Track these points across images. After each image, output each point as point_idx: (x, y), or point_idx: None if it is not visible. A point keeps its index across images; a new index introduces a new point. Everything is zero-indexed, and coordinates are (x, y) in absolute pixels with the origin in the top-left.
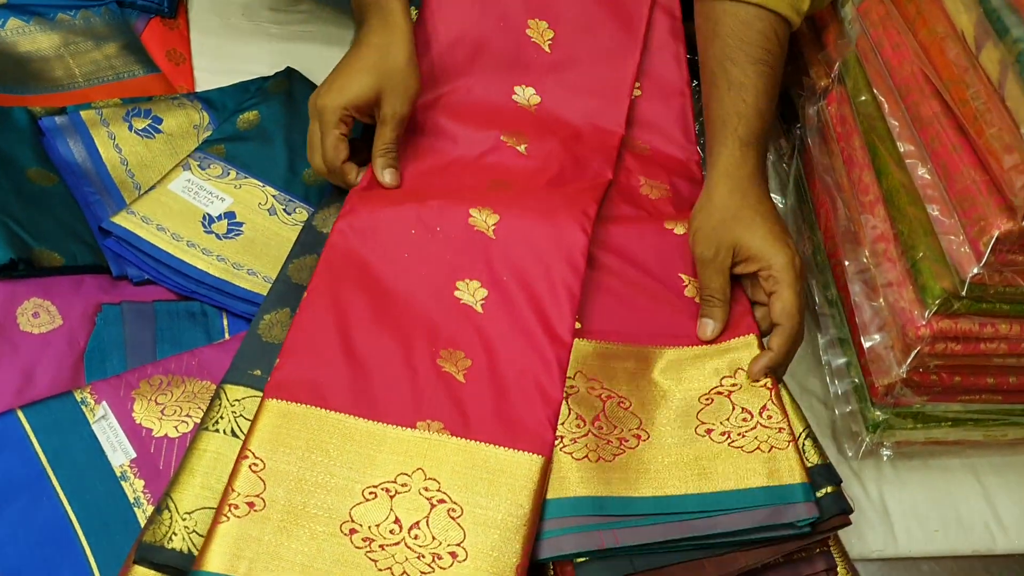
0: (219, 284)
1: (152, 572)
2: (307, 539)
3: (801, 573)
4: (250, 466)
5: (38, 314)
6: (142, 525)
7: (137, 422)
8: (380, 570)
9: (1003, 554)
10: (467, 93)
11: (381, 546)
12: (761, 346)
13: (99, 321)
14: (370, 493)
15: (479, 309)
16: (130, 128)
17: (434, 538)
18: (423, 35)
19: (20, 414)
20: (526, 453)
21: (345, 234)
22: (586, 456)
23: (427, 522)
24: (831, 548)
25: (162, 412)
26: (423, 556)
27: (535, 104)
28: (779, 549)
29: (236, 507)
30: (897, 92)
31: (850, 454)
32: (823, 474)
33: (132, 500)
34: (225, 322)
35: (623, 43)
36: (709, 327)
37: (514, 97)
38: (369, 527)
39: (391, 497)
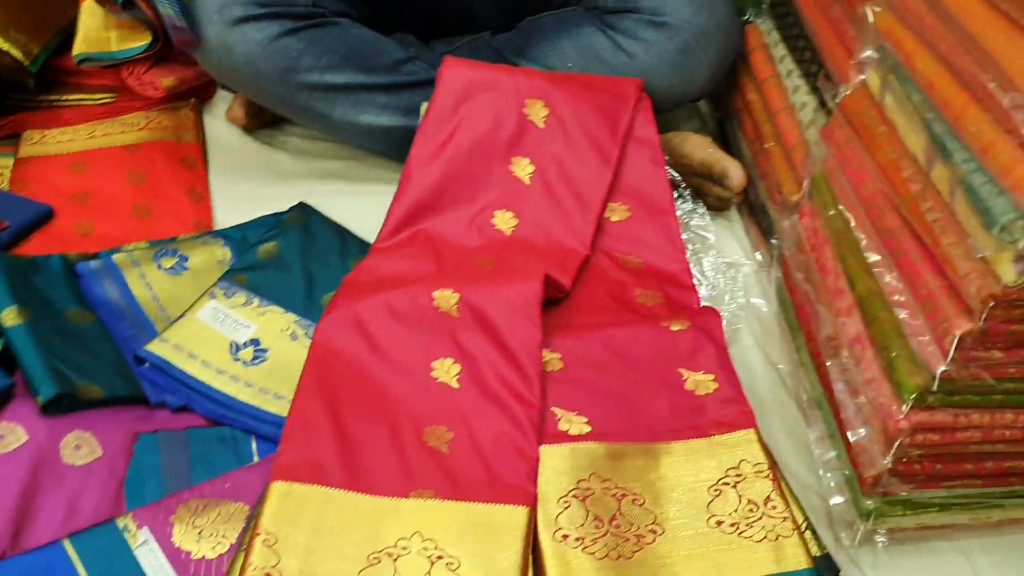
0: (248, 409)
1: None
2: None
3: None
4: (263, 541)
5: (79, 446)
6: None
7: (176, 545)
8: None
9: None
10: (453, 220)
11: None
12: (761, 440)
13: (137, 449)
14: (374, 559)
15: (455, 385)
16: (159, 267)
17: None
18: (426, 154)
19: (66, 543)
20: (511, 506)
21: (325, 332)
22: (607, 555)
23: None
24: None
25: (199, 534)
26: None
27: (512, 227)
28: None
29: None
30: (861, 207)
31: (847, 542)
32: (822, 564)
33: None
34: (254, 445)
35: (596, 174)
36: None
37: (492, 220)
38: None
39: (394, 560)
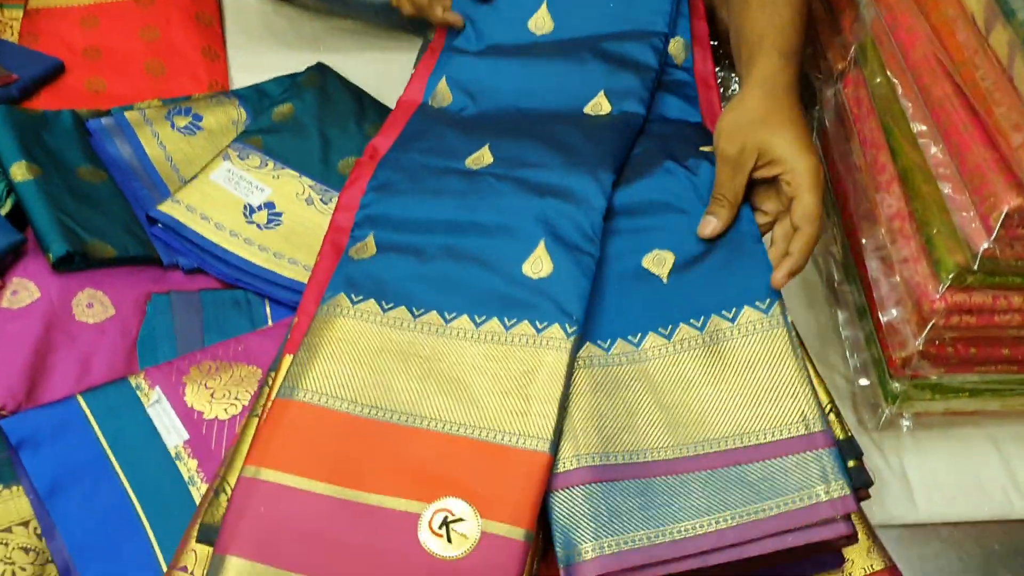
0: (262, 273)
1: (210, 548)
2: None
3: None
4: None
5: (92, 304)
6: (196, 502)
7: (189, 405)
8: None
9: (1020, 519)
10: None
11: None
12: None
13: (149, 310)
14: None
15: None
16: (172, 126)
17: None
18: None
19: (80, 399)
20: None
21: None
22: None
23: None
24: (851, 515)
25: (212, 396)
26: None
27: None
28: None
29: None
30: (910, 74)
31: (871, 425)
32: (845, 447)
33: (187, 479)
34: (267, 309)
35: None
36: (711, 225)
37: None
38: None
39: None
